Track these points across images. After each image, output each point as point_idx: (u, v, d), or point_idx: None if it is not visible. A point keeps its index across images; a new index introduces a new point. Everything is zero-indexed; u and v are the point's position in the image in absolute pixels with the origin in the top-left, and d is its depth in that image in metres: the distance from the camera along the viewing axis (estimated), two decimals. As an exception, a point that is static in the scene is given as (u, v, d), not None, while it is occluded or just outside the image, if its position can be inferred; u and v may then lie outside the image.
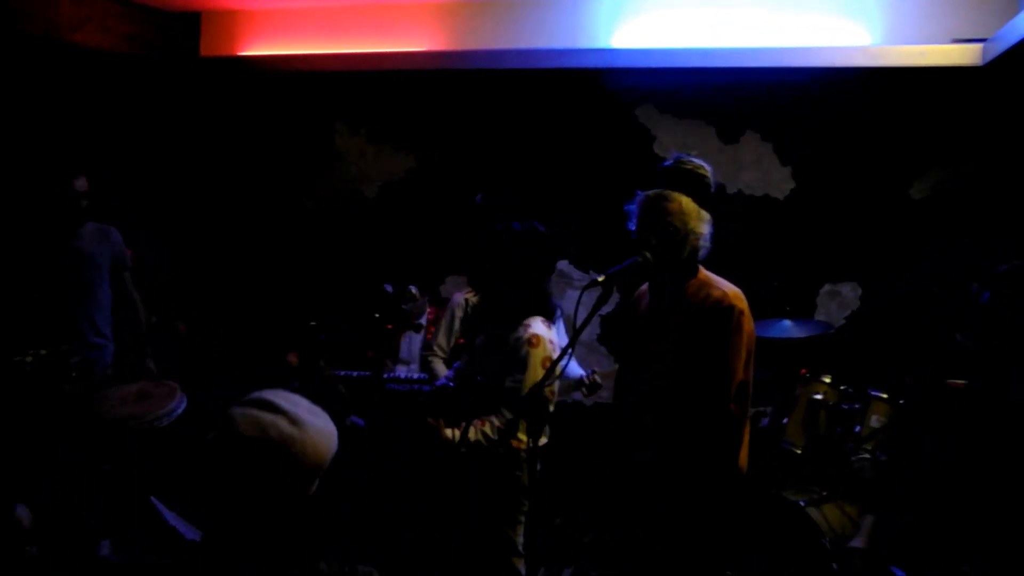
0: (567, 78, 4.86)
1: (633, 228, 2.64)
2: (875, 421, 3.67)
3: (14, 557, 2.31)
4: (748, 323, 2.60)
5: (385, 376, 3.85)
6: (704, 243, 2.62)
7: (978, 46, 4.12)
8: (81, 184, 3.90)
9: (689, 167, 2.63)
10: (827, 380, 3.80)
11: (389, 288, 3.75)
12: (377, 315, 3.83)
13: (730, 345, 2.55)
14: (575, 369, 4.05)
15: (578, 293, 2.52)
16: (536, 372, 2.84)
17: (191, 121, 5.48)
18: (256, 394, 1.74)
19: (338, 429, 1.79)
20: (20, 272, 3.85)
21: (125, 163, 5.11)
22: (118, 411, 3.26)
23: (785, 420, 3.86)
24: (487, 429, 2.83)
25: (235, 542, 1.67)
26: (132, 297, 4.17)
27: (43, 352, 3.30)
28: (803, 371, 3.91)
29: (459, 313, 3.93)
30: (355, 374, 3.76)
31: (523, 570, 2.96)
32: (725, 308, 2.56)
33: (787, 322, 4.13)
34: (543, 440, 3.04)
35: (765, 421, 4.04)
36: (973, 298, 4.03)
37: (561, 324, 3.86)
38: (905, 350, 4.15)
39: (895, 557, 2.30)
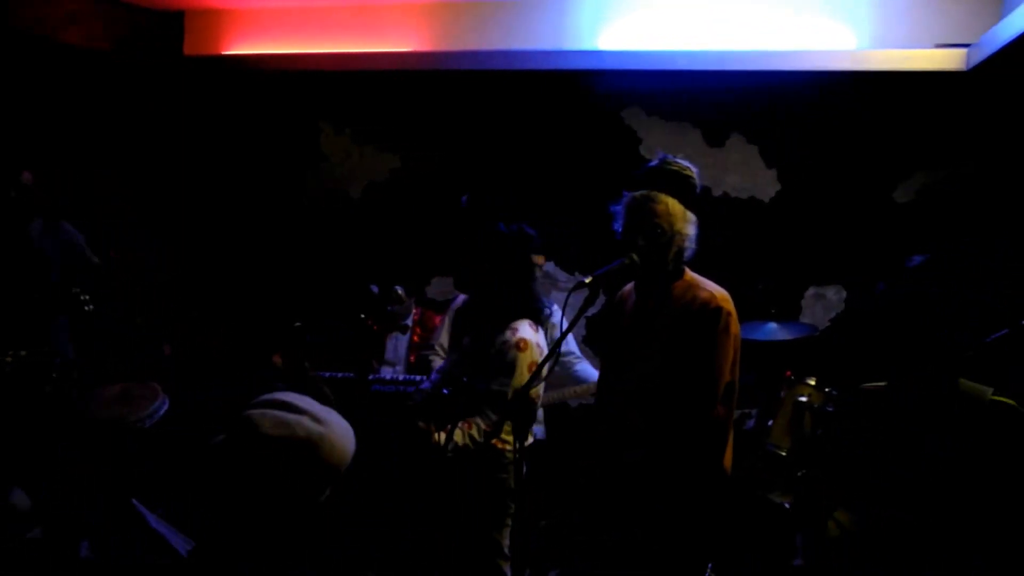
0: (553, 80, 4.86)
1: (619, 229, 2.63)
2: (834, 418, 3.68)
3: (12, 543, 2.29)
4: (735, 325, 2.61)
5: (371, 377, 3.83)
6: (689, 244, 2.62)
7: (962, 51, 4.16)
8: (26, 179, 3.85)
9: (675, 168, 2.63)
10: (812, 382, 3.81)
11: (375, 289, 3.73)
12: (363, 316, 3.81)
13: (717, 347, 2.56)
14: (591, 372, 4.04)
15: (564, 295, 2.51)
16: (523, 376, 2.83)
17: (174, 120, 5.43)
18: (268, 396, 1.72)
19: None
20: None
21: (106, 161, 5.06)
22: (101, 412, 3.22)
23: (770, 422, 3.87)
24: (473, 432, 2.82)
25: (242, 545, 1.65)
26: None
27: (23, 353, 3.26)
28: (788, 373, 3.93)
29: None
30: (340, 375, 3.74)
31: (509, 572, 2.95)
32: (712, 310, 2.57)
33: (772, 324, 4.15)
34: (528, 441, 3.03)
35: (750, 423, 4.06)
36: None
37: (559, 318, 3.86)
38: (891, 353, 4.17)
39: (888, 557, 2.31)
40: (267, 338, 4.52)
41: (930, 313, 2.44)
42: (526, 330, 2.91)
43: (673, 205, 2.58)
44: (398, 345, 4.43)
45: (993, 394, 2.32)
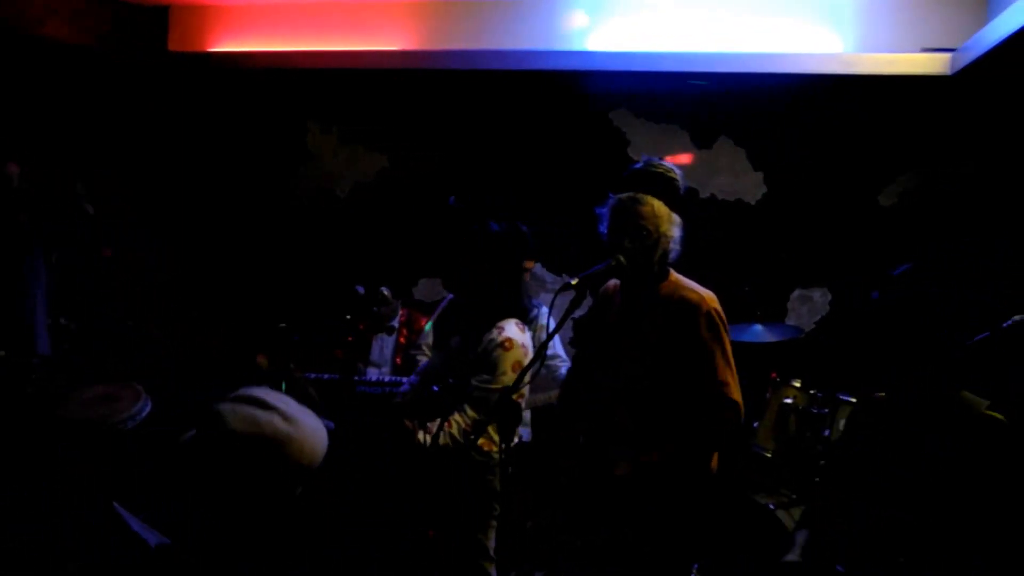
0: (542, 80, 4.85)
1: (604, 231, 2.64)
2: (844, 425, 3.71)
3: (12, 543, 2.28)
4: (726, 324, 2.63)
5: (356, 379, 3.81)
6: (675, 246, 2.63)
7: (947, 56, 4.19)
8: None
9: (659, 170, 2.64)
10: (797, 384, 3.84)
11: (360, 289, 3.71)
12: (348, 317, 3.79)
13: (720, 344, 2.58)
14: None
15: (551, 296, 2.51)
16: (506, 375, 2.82)
17: (158, 117, 5.38)
18: (244, 390, 1.70)
19: None
20: None
21: (90, 158, 5.00)
22: (82, 414, 3.19)
23: (756, 424, 3.89)
24: (453, 430, 2.81)
25: (216, 541, 1.64)
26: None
27: (2, 354, 3.22)
28: (773, 375, 3.94)
29: None
30: (326, 376, 3.72)
31: (494, 574, 2.95)
32: (706, 312, 2.57)
33: (758, 326, 4.17)
34: (514, 443, 3.03)
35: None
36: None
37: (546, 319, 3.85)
38: (881, 356, 4.19)
39: (888, 558, 2.31)
40: (252, 339, 4.50)
41: (927, 316, 2.44)
42: (512, 329, 2.91)
43: (658, 207, 2.59)
44: (384, 346, 4.41)
45: (987, 408, 2.33)
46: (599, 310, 2.88)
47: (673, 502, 2.63)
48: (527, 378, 2.69)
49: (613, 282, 2.82)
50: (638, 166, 2.67)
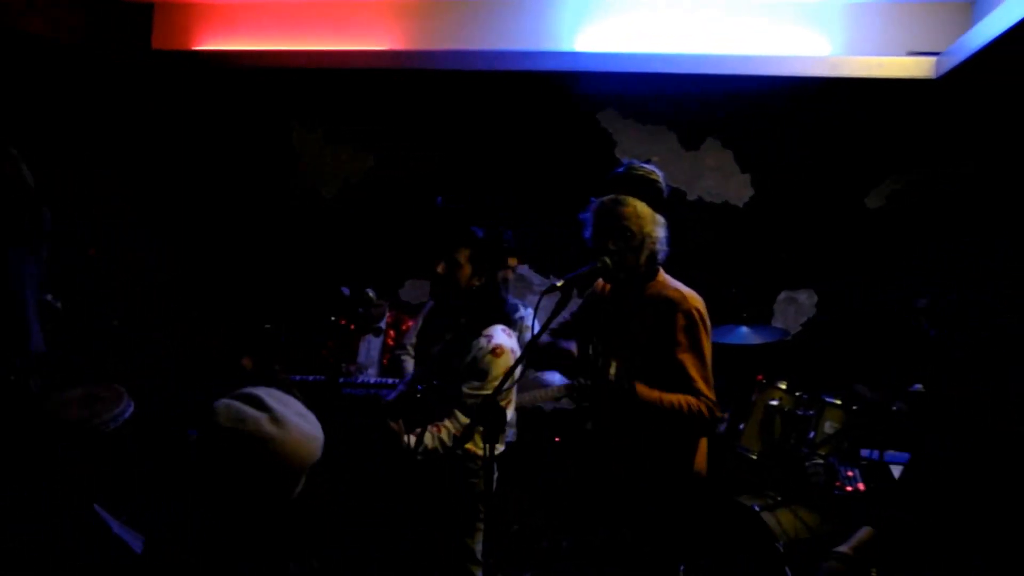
0: (529, 81, 4.85)
1: (589, 236, 2.64)
2: (829, 427, 3.72)
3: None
4: (708, 320, 2.62)
5: (343, 380, 3.79)
6: (661, 246, 2.63)
7: (932, 59, 4.21)
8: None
9: (640, 173, 2.65)
10: (783, 386, 3.84)
11: (346, 291, 3.69)
12: (333, 318, 3.77)
13: (696, 340, 2.56)
14: (558, 378, 4.03)
15: (537, 298, 2.51)
16: (497, 382, 2.81)
17: (141, 116, 5.33)
18: (248, 389, 1.75)
19: None
20: None
21: (71, 154, 4.95)
22: (63, 415, 3.16)
23: (742, 426, 3.90)
24: (443, 435, 2.80)
25: (208, 538, 1.69)
26: None
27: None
28: (759, 377, 3.95)
29: None
30: (311, 378, 3.70)
31: (480, 577, 2.94)
32: (685, 309, 2.57)
33: (744, 328, 4.18)
34: (499, 448, 3.02)
35: (722, 427, 4.07)
36: (917, 313, 4.11)
37: (530, 320, 3.84)
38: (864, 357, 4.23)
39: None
40: (237, 340, 4.48)
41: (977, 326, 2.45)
42: (501, 336, 2.91)
43: (641, 208, 2.59)
44: (371, 348, 4.40)
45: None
46: (588, 311, 2.88)
47: (661, 503, 2.62)
48: (514, 377, 2.69)
49: (601, 282, 2.82)
50: (619, 170, 2.68)
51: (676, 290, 2.63)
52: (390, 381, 3.60)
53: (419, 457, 2.79)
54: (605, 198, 2.63)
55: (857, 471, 3.54)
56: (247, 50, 5.07)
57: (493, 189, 4.92)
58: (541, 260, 5.00)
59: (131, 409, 3.25)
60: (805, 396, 3.80)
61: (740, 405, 3.98)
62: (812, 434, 3.71)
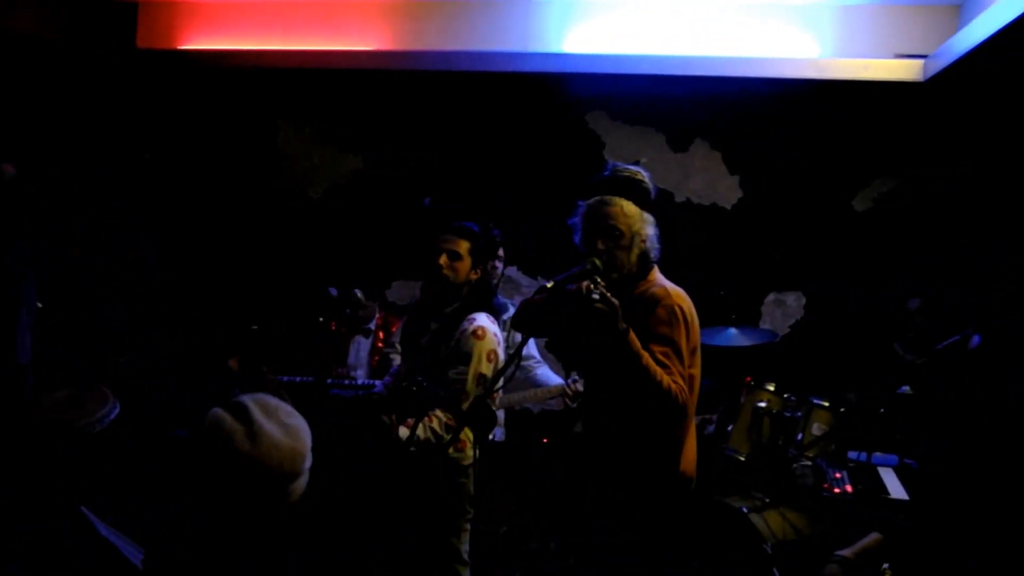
0: (518, 82, 4.84)
1: (578, 239, 2.64)
2: (816, 429, 3.74)
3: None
4: (692, 320, 2.61)
5: (331, 381, 3.78)
6: (652, 244, 2.63)
7: (919, 62, 4.23)
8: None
9: (626, 175, 2.65)
10: (771, 388, 3.85)
11: (333, 292, 3.68)
12: (321, 319, 3.75)
13: (675, 334, 2.53)
14: (551, 377, 4.03)
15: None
16: (480, 364, 2.84)
17: (126, 115, 5.28)
18: (242, 397, 1.80)
19: None
20: None
21: (53, 152, 4.89)
22: (48, 417, 3.13)
23: (730, 427, 3.90)
24: (435, 424, 2.81)
25: (207, 536, 1.75)
26: None
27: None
28: (748, 379, 3.96)
29: None
30: (298, 379, 3.69)
31: (468, 578, 2.93)
32: (668, 305, 2.56)
33: (733, 330, 4.18)
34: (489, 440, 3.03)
35: (710, 428, 4.08)
36: (911, 314, 4.12)
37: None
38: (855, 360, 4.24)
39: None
40: (224, 340, 4.45)
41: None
42: (483, 319, 2.92)
43: (628, 207, 2.59)
44: (360, 349, 4.38)
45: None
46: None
47: (648, 504, 2.62)
48: (501, 380, 2.68)
49: None
50: (605, 173, 2.68)
51: (662, 287, 2.63)
52: (376, 382, 3.59)
53: (413, 449, 2.78)
54: (591, 200, 2.63)
55: (845, 473, 3.55)
56: (233, 49, 5.03)
57: (480, 190, 4.91)
58: (530, 262, 5.00)
59: (116, 411, 3.23)
60: (793, 398, 3.81)
61: (728, 407, 3.98)
62: (800, 436, 3.72)
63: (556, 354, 4.91)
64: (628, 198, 2.60)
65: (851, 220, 4.69)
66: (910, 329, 4.30)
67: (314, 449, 1.92)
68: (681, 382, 2.49)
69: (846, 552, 2.37)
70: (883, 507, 3.22)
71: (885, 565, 2.32)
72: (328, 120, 5.26)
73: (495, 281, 3.93)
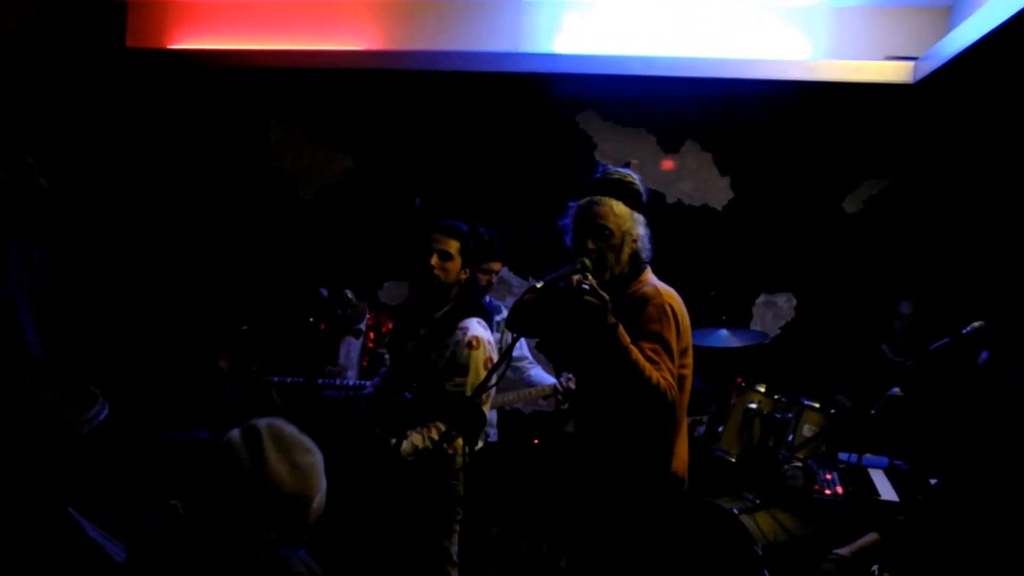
0: (508, 82, 4.83)
1: (569, 240, 2.63)
2: (807, 430, 3.74)
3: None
4: (683, 319, 2.60)
5: (322, 382, 3.77)
6: (643, 244, 2.62)
7: (910, 64, 4.24)
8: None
9: (616, 176, 2.65)
10: (762, 389, 3.86)
11: (324, 292, 3.66)
12: (311, 319, 3.74)
13: (663, 332, 2.52)
14: (544, 377, 4.03)
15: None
16: (478, 374, 2.85)
17: (115, 114, 5.24)
18: (267, 419, 1.81)
19: None
20: None
21: (41, 152, 4.85)
22: (39, 417, 3.12)
23: (720, 429, 3.90)
24: (433, 434, 2.81)
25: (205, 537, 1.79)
26: None
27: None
28: (739, 380, 3.96)
29: None
30: (289, 380, 3.68)
31: (457, 580, 2.93)
32: (658, 304, 2.56)
33: (723, 331, 4.19)
34: (479, 445, 3.02)
35: (701, 430, 4.08)
36: (900, 316, 4.11)
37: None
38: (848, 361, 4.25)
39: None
40: (214, 341, 4.43)
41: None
42: (476, 328, 2.92)
43: (618, 207, 2.59)
44: (351, 349, 4.37)
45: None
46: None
47: (638, 504, 2.62)
48: (495, 379, 2.68)
49: None
50: (595, 175, 2.68)
51: (653, 287, 2.62)
52: (367, 384, 3.58)
53: (411, 459, 2.79)
54: (581, 201, 2.63)
55: (835, 474, 3.56)
56: (224, 49, 4.99)
57: (471, 191, 4.90)
58: (520, 262, 4.99)
59: (105, 412, 3.21)
60: (784, 399, 3.81)
61: (719, 408, 3.99)
62: (791, 437, 3.73)
63: (547, 354, 4.91)
64: (618, 199, 2.60)
65: (842, 222, 4.70)
66: (898, 331, 4.32)
67: None
68: (670, 379, 2.48)
69: (843, 551, 2.36)
70: (874, 508, 3.22)
71: (874, 568, 2.32)
72: (319, 120, 5.25)
73: (492, 282, 3.93)
